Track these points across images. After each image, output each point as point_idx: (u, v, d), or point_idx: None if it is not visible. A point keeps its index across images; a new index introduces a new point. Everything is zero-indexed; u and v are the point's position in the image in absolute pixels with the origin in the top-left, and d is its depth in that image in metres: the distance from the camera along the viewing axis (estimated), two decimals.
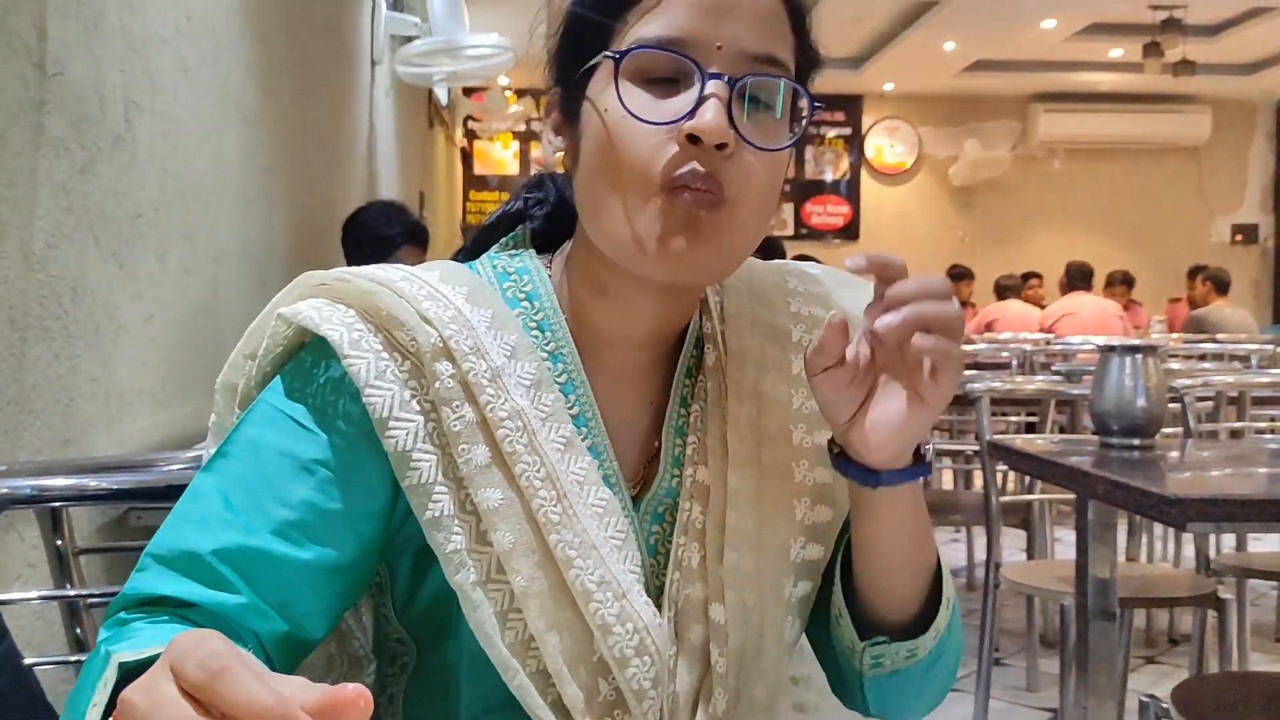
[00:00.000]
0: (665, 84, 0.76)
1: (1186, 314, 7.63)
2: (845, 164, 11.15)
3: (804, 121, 0.80)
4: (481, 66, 4.64)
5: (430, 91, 6.67)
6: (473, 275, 0.83)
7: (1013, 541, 3.88)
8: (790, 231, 10.96)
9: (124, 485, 1.30)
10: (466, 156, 10.64)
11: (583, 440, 0.80)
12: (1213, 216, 11.21)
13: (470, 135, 10.40)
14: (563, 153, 0.83)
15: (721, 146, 0.73)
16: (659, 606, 0.80)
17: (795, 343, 0.87)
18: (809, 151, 11.06)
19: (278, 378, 0.79)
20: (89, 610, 1.39)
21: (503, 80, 8.76)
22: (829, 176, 11.14)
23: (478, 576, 0.75)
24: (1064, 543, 4.39)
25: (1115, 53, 9.22)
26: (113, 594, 1.65)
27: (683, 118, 0.74)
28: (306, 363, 0.78)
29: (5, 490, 1.23)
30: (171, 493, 1.32)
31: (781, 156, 0.79)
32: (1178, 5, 7.82)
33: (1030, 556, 3.37)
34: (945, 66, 9.74)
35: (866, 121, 11.13)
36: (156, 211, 2.06)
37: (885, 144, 11.18)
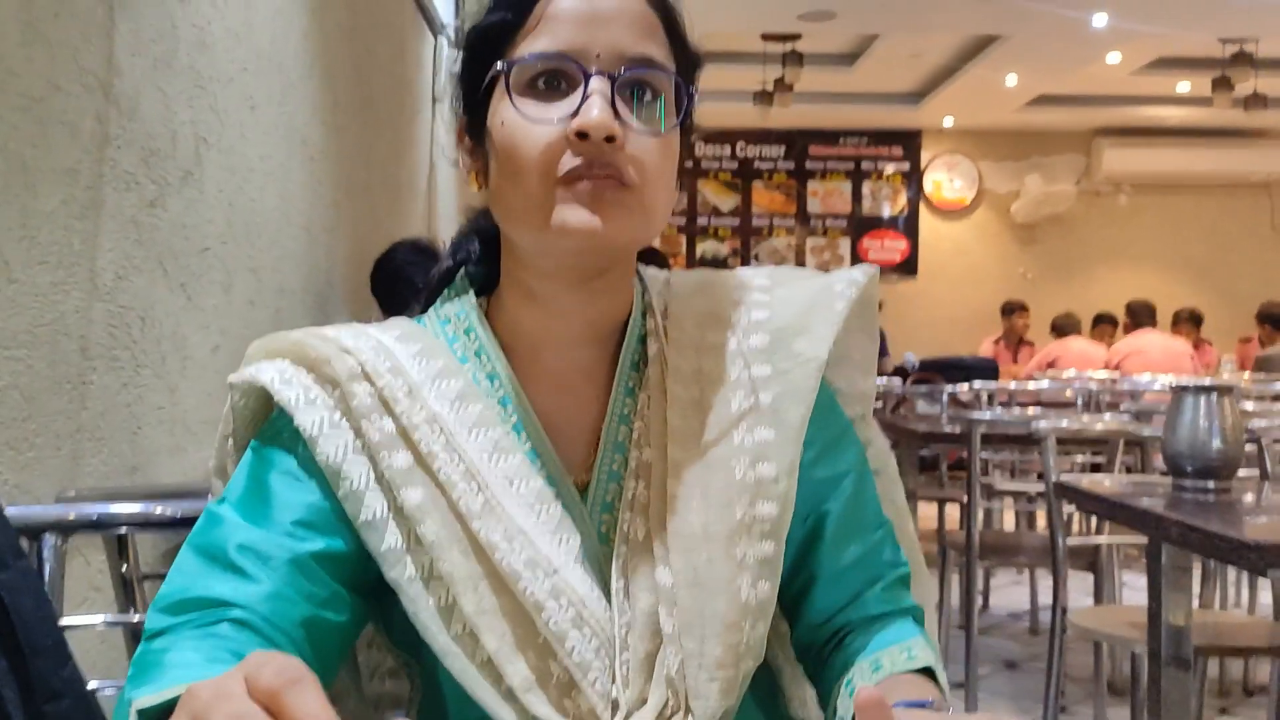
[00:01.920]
0: (554, 92, 0.82)
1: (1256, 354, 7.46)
2: (903, 199, 11.08)
3: (687, 107, 0.85)
4: None
5: None
6: (409, 322, 0.92)
7: (1078, 584, 3.79)
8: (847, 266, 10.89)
9: (189, 512, 1.31)
10: None
11: (521, 445, 0.85)
12: None
13: None
14: (474, 173, 0.89)
15: (610, 139, 0.79)
16: (609, 584, 0.83)
17: (734, 324, 0.92)
18: (866, 186, 11.02)
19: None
20: None
21: None
22: (886, 212, 11.07)
23: (415, 573, 0.79)
24: (1132, 587, 4.29)
25: (1183, 86, 9.09)
26: None
27: (570, 115, 0.79)
28: (273, 414, 0.86)
29: (73, 516, 1.25)
30: None
31: (672, 142, 0.84)
32: (1248, 39, 7.70)
33: (1098, 601, 3.28)
34: (1007, 101, 9.66)
35: (925, 156, 11.05)
36: (223, 245, 2.09)
37: (944, 179, 11.08)
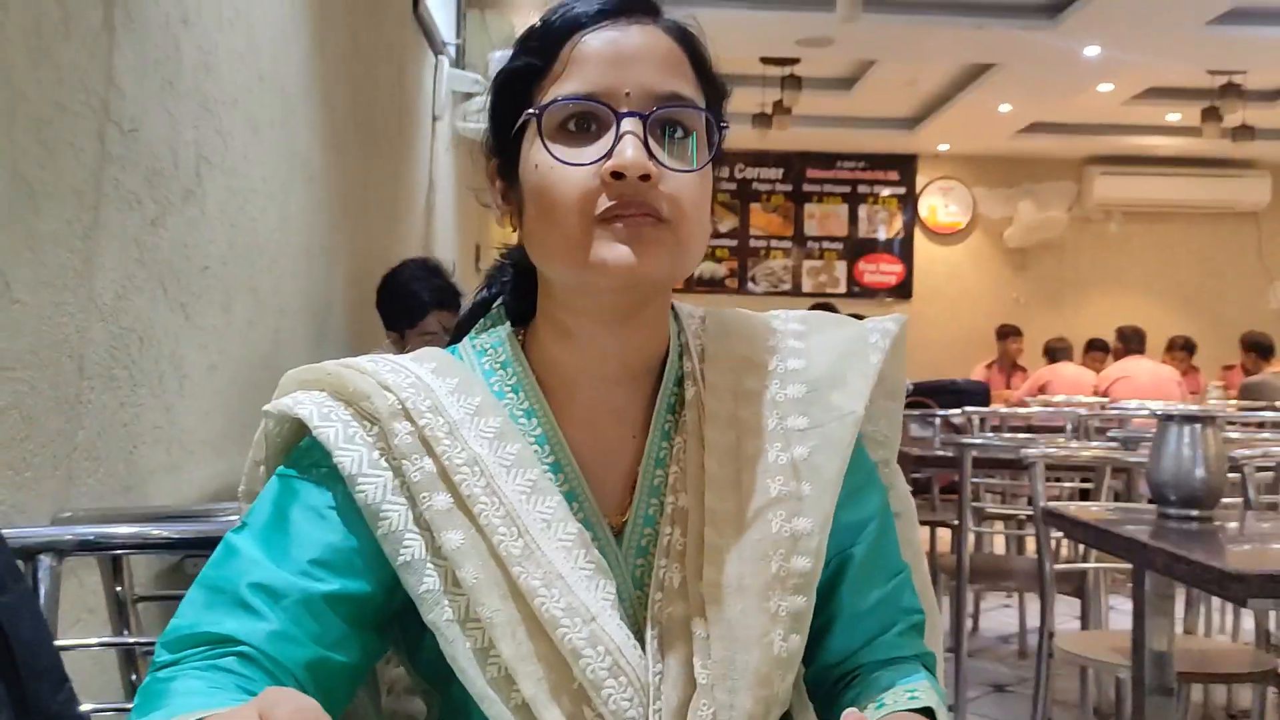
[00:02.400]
0: (585, 134, 0.83)
1: (1241, 381, 7.49)
2: (899, 223, 11.12)
3: (719, 140, 0.87)
4: None
5: None
6: (444, 354, 0.91)
7: (1066, 608, 3.81)
8: (843, 290, 10.94)
9: (184, 534, 1.33)
10: None
11: (559, 486, 0.85)
12: (1272, 282, 11.02)
13: None
14: (508, 214, 0.90)
15: (645, 178, 0.80)
16: (643, 631, 0.83)
17: (771, 371, 0.92)
18: (862, 210, 11.07)
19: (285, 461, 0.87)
20: (145, 657, 1.41)
21: None
22: (882, 235, 11.11)
23: (453, 615, 0.80)
24: (1119, 610, 4.30)
25: (1173, 117, 9.15)
26: None
27: (604, 157, 0.80)
28: (303, 443, 0.86)
29: (69, 537, 1.26)
30: None
31: (706, 177, 0.86)
32: (1237, 71, 7.76)
33: (1084, 625, 3.30)
34: (1001, 128, 9.72)
35: (920, 181, 11.11)
36: (223, 265, 2.11)
37: (939, 204, 11.14)
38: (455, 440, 0.83)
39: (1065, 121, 9.51)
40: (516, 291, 0.96)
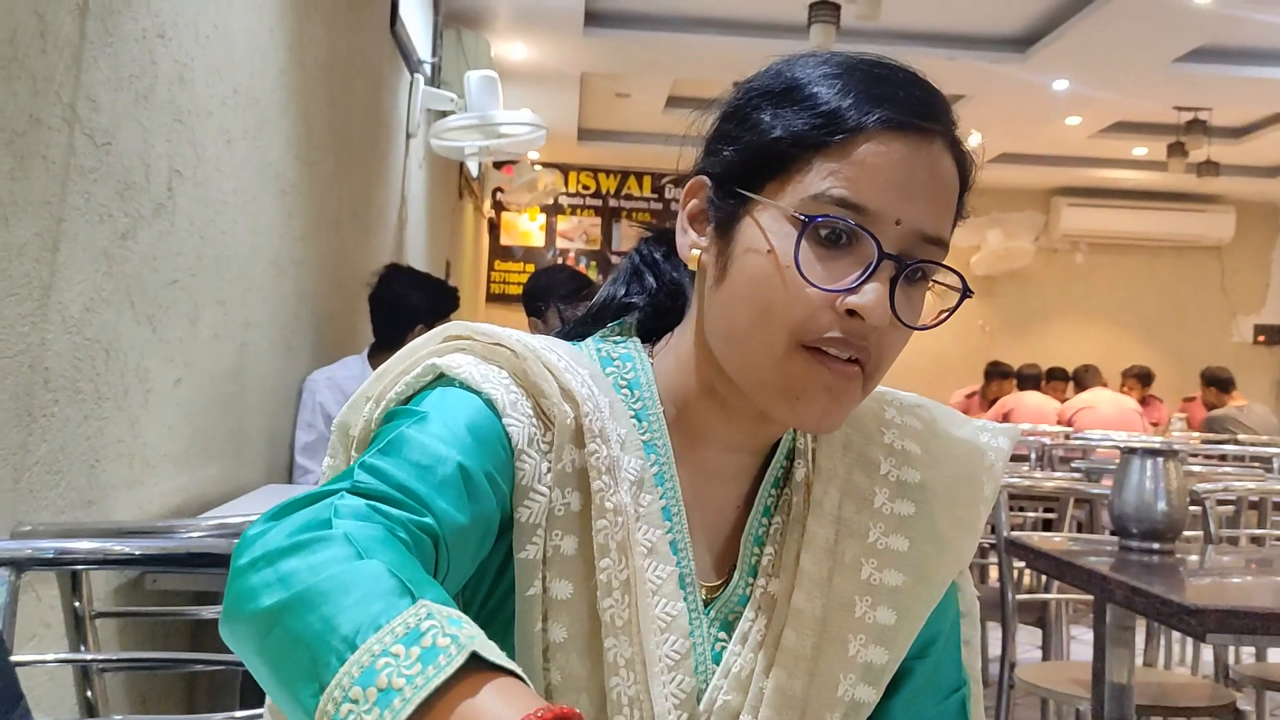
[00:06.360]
0: (834, 246, 0.76)
1: (1202, 413, 7.58)
2: None
3: (956, 305, 0.81)
4: (514, 143, 4.72)
5: (462, 164, 6.77)
6: (590, 360, 0.84)
7: (1027, 637, 3.83)
8: None
9: (146, 551, 1.31)
10: (494, 227, 10.75)
11: (666, 534, 0.80)
12: (1235, 316, 11.18)
13: (498, 207, 10.53)
14: (699, 251, 0.82)
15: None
16: (695, 712, 0.80)
17: (882, 476, 0.87)
18: None
19: (432, 391, 0.77)
20: (102, 674, 1.39)
21: (533, 155, 8.89)
22: None
23: (531, 642, 0.76)
24: (1080, 640, 4.33)
25: (1139, 151, 9.29)
26: (127, 659, 1.64)
27: (848, 290, 0.75)
28: (484, 428, 0.75)
29: (29, 551, 1.24)
30: (190, 559, 1.33)
31: None
32: (1202, 108, 7.88)
33: (1045, 656, 3.32)
34: None
35: None
36: (192, 277, 2.10)
37: None
38: (611, 479, 0.77)
39: (1033, 153, 9.62)
40: (654, 311, 0.89)
